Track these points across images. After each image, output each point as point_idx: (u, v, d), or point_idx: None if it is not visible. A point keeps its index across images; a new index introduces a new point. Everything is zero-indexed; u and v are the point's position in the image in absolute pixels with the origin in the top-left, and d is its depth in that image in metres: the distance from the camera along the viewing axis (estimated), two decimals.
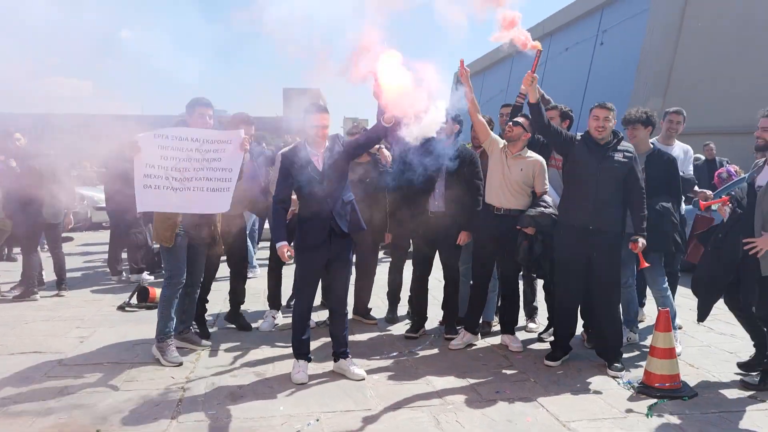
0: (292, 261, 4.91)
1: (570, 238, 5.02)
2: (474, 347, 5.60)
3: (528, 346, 5.63)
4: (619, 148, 4.92)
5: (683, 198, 5.74)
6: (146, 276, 8.53)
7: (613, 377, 4.83)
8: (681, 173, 5.55)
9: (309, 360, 4.88)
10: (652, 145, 5.49)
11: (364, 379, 4.76)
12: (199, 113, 5.08)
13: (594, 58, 20.31)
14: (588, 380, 4.79)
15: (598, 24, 21.09)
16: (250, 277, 7.57)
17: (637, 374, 4.84)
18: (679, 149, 5.97)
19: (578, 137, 5.03)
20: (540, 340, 5.87)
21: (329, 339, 5.14)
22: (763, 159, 4.73)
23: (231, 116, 5.96)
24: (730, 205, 4.67)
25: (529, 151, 5.43)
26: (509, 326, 5.68)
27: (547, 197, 5.34)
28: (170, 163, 4.86)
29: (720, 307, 4.98)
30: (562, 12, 23.21)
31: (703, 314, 4.90)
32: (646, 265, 4.94)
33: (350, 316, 6.15)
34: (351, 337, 5.60)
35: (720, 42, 17.11)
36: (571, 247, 5.02)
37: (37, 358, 5.20)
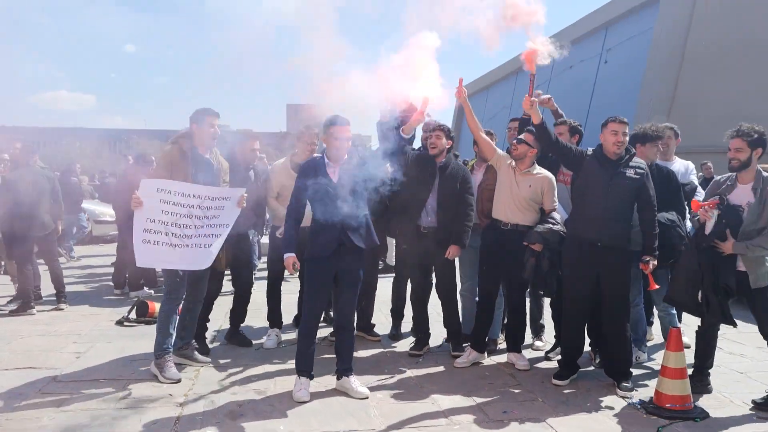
0: (296, 274, 4.81)
1: (578, 255, 4.93)
2: (480, 365, 5.47)
3: (535, 365, 5.50)
4: (631, 164, 4.84)
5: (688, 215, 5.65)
6: (146, 290, 8.43)
7: (623, 397, 4.70)
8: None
9: (311, 377, 4.76)
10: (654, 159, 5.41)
11: (367, 398, 4.64)
12: (209, 123, 4.98)
13: (598, 77, 20.35)
14: (597, 400, 4.66)
15: (603, 42, 21.15)
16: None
17: (646, 393, 4.72)
18: (680, 165, 5.93)
19: (589, 152, 4.95)
20: (547, 358, 5.75)
21: (331, 355, 5.03)
22: (727, 177, 4.71)
23: (236, 131, 5.90)
24: (716, 210, 4.52)
25: (538, 167, 5.36)
26: (516, 344, 5.55)
27: (555, 214, 5.26)
28: (171, 218, 4.79)
29: (726, 326, 4.81)
30: (566, 30, 23.26)
31: (729, 318, 4.64)
32: (656, 287, 4.83)
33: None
34: (354, 354, 5.48)
35: (724, 61, 17.11)
36: (579, 263, 4.93)
37: (32, 373, 5.07)
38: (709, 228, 4.52)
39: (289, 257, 4.57)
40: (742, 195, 4.58)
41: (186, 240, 4.84)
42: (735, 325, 4.66)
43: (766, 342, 4.61)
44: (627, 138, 4.86)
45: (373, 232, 4.81)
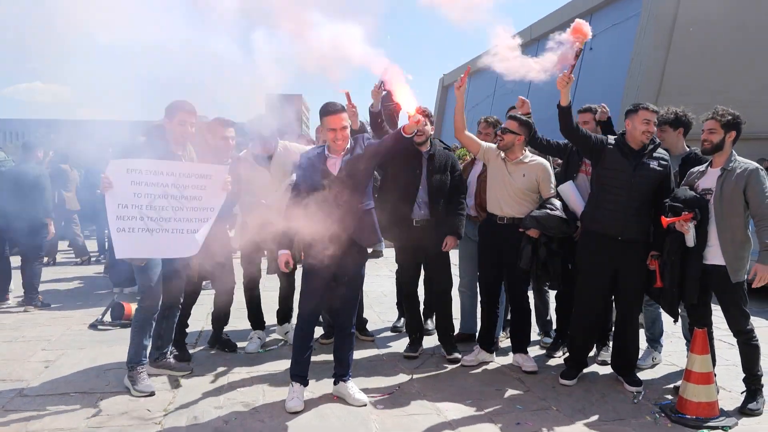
0: (289, 270, 4.44)
1: (596, 248, 4.63)
2: (484, 369, 5.10)
3: (543, 367, 5.15)
4: (654, 155, 4.54)
5: None
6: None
7: (635, 393, 4.52)
8: None
9: (306, 384, 4.38)
10: (688, 148, 5.02)
11: (366, 405, 4.28)
12: (179, 120, 4.50)
13: (583, 64, 20.00)
14: (615, 407, 4.31)
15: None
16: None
17: (659, 394, 4.48)
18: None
19: (611, 141, 4.59)
20: (549, 356, 5.45)
21: (326, 357, 4.70)
22: (708, 163, 4.44)
23: (209, 121, 5.38)
24: (692, 222, 4.20)
25: (530, 155, 5.03)
26: (521, 344, 5.20)
27: (555, 201, 4.92)
28: (144, 200, 4.31)
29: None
30: (551, 17, 22.96)
31: (675, 312, 4.50)
32: (661, 285, 4.48)
33: None
34: None
35: (712, 47, 16.91)
36: (597, 257, 4.63)
37: None
38: (690, 241, 4.23)
39: (284, 254, 4.27)
40: (712, 180, 4.32)
41: (164, 224, 4.37)
42: (676, 318, 4.51)
43: (736, 339, 4.35)
44: (654, 128, 4.54)
45: (377, 228, 4.42)
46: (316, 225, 4.14)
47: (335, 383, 4.47)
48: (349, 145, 4.25)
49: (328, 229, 4.12)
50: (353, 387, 4.42)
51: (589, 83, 19.49)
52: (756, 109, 16.47)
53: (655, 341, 5.25)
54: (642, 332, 5.26)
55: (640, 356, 5.08)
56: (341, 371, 4.45)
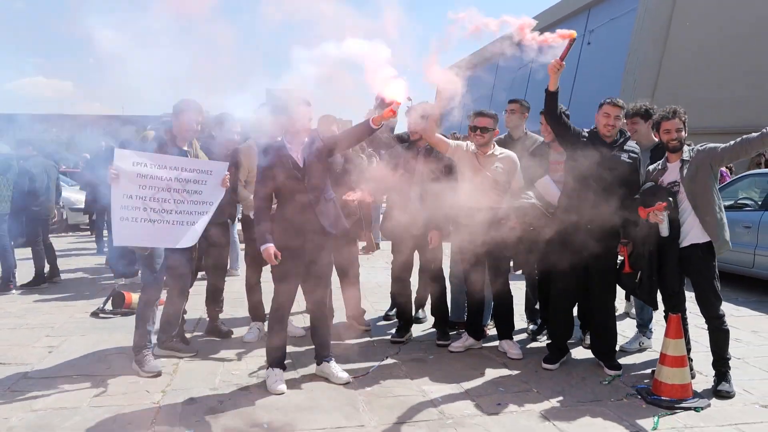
0: (278, 261, 4.58)
1: (566, 237, 4.80)
2: (471, 354, 5.29)
3: (527, 353, 5.33)
4: (625, 147, 4.75)
5: None
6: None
7: (615, 376, 4.71)
8: None
9: (284, 369, 4.60)
10: (656, 138, 5.21)
11: (349, 383, 4.53)
12: (187, 117, 4.76)
13: (581, 58, 20.13)
14: (593, 390, 4.50)
15: (585, 24, 20.97)
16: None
17: (637, 378, 4.67)
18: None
19: (585, 133, 4.79)
20: (534, 339, 5.68)
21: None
22: (656, 163, 4.71)
23: (213, 117, 5.60)
24: (666, 212, 4.38)
25: (498, 148, 5.23)
26: (506, 331, 5.38)
27: (527, 191, 5.13)
28: (149, 192, 4.52)
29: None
30: (549, 11, 23.07)
31: (654, 301, 4.71)
32: (630, 271, 4.70)
33: (342, 319, 6.02)
34: (341, 343, 5.38)
35: (708, 42, 17.04)
36: (567, 245, 4.79)
37: (1, 370, 4.80)
38: (664, 230, 4.43)
39: (268, 247, 4.32)
40: (675, 173, 4.54)
41: (166, 216, 4.58)
42: (656, 307, 4.75)
43: (708, 325, 4.52)
44: (620, 121, 4.77)
45: (341, 216, 4.64)
46: (284, 216, 4.37)
47: (318, 364, 4.70)
48: (306, 139, 4.46)
49: (296, 219, 4.33)
50: (335, 366, 4.64)
51: (587, 78, 19.62)
52: (751, 104, 16.63)
53: (644, 327, 5.44)
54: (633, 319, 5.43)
55: (627, 340, 5.34)
56: (323, 353, 4.68)
